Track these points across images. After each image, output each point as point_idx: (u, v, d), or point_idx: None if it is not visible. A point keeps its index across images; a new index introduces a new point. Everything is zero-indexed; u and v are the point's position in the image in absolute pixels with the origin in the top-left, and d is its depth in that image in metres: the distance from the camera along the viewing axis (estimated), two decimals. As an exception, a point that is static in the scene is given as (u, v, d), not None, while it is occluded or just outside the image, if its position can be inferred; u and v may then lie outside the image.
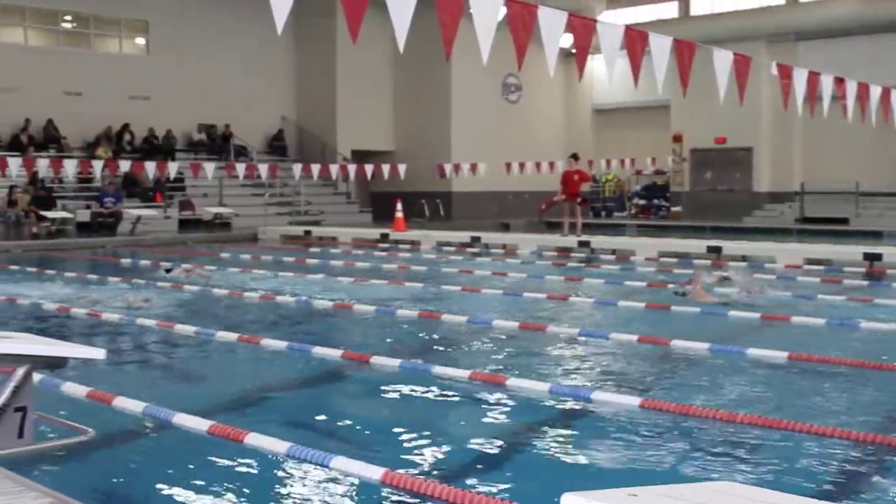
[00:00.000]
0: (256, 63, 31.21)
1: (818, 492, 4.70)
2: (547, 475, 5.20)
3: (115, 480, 5.09)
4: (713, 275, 13.94)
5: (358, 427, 6.12)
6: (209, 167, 24.44)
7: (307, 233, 24.65)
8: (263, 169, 24.88)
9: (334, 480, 4.87)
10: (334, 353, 8.34)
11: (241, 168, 24.83)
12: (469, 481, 4.90)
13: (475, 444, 5.69)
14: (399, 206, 24.18)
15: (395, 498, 4.62)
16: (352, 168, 26.73)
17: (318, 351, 8.43)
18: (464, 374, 7.42)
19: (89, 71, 28.15)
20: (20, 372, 3.88)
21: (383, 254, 20.00)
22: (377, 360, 7.96)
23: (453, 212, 31.59)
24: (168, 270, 15.22)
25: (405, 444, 5.67)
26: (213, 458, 5.31)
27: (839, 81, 12.74)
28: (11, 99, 26.57)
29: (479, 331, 9.89)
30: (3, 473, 4.06)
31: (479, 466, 5.33)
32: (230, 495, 4.76)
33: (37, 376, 4.39)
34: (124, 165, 23.80)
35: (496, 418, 6.38)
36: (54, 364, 4.10)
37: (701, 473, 5.04)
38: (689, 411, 6.18)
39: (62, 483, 4.28)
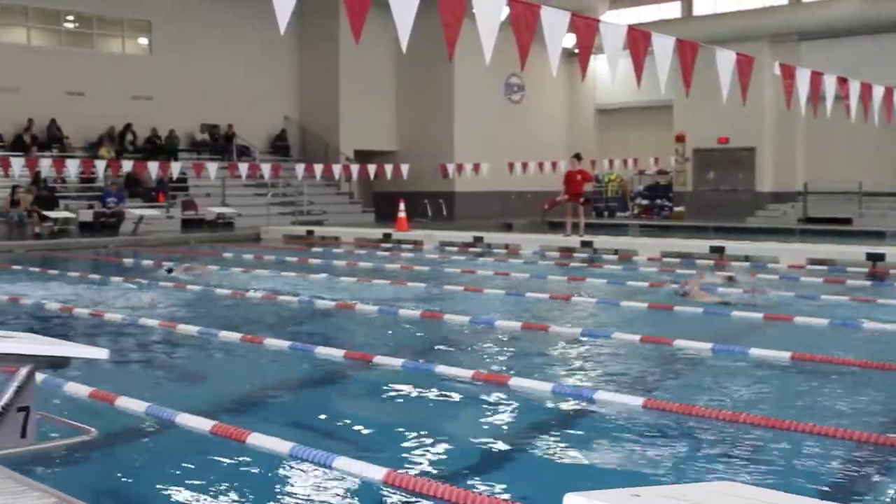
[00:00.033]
0: (259, 63, 31.23)
1: (821, 492, 4.70)
2: (549, 475, 5.20)
3: (117, 480, 5.09)
4: (716, 275, 13.94)
5: (360, 427, 6.12)
6: (212, 167, 24.46)
7: (310, 233, 24.65)
8: (266, 169, 24.89)
9: (337, 481, 4.87)
10: (337, 353, 8.34)
11: (243, 168, 24.84)
12: (471, 481, 4.90)
13: (478, 444, 5.69)
14: (402, 206, 24.17)
15: (397, 498, 4.62)
16: (354, 168, 26.74)
17: (321, 351, 8.43)
18: (466, 373, 7.41)
19: (92, 71, 28.18)
20: (23, 372, 3.88)
21: (386, 254, 20.00)
22: (380, 359, 7.96)
23: (456, 212, 31.59)
24: (169, 270, 15.22)
25: (407, 444, 5.67)
26: (216, 458, 5.32)
27: (842, 81, 12.73)
28: (14, 99, 26.61)
29: (481, 331, 9.89)
30: (5, 473, 4.06)
31: (481, 466, 5.33)
32: (232, 495, 4.76)
33: (40, 376, 4.39)
34: (127, 165, 23.85)
35: (499, 418, 6.38)
36: (57, 364, 4.10)
37: (704, 473, 5.04)
38: (691, 411, 6.17)
39: (65, 483, 4.28)
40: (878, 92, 13.24)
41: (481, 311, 11.00)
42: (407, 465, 5.20)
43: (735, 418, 5.96)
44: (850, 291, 12.99)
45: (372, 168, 25.60)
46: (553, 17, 8.14)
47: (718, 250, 18.12)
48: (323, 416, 6.61)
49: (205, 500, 4.70)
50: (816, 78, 12.18)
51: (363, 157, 30.82)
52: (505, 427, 6.21)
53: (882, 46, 28.73)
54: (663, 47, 9.58)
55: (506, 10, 7.58)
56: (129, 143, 28.72)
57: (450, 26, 7.09)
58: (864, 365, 7.76)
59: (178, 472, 5.16)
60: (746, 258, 17.65)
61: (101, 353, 4.09)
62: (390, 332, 10.19)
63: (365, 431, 6.03)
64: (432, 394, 6.99)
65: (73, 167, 23.41)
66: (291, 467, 5.08)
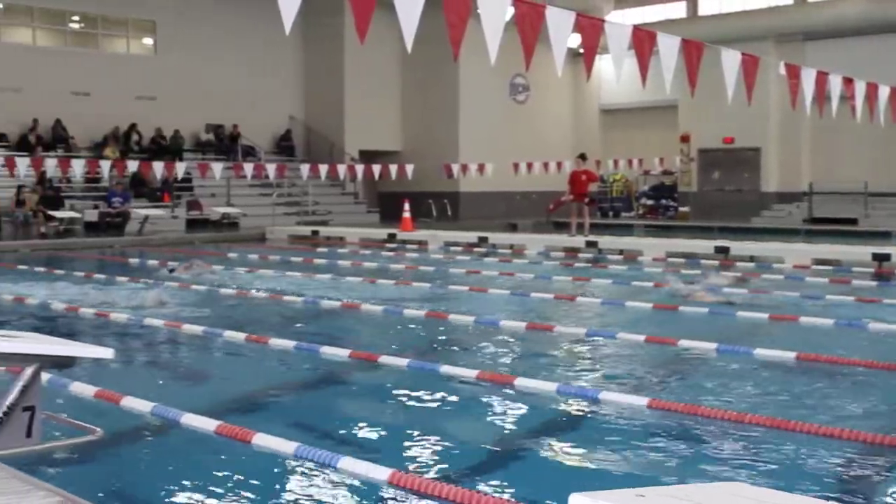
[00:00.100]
0: (264, 63, 31.26)
1: (826, 493, 4.69)
2: (554, 475, 5.20)
3: (122, 480, 5.09)
4: (722, 275, 13.93)
5: (365, 427, 6.12)
6: (217, 167, 24.48)
7: (315, 233, 24.66)
8: (271, 169, 24.90)
9: (341, 481, 4.87)
10: (342, 353, 8.34)
11: (248, 168, 24.85)
12: (476, 482, 4.89)
13: (482, 444, 5.69)
14: (406, 206, 24.18)
15: (402, 498, 4.61)
16: (359, 168, 26.74)
17: (326, 351, 8.44)
18: (471, 373, 7.41)
19: (97, 71, 28.23)
20: (28, 371, 3.89)
21: (391, 254, 20.00)
22: (385, 359, 7.96)
23: (461, 212, 31.60)
24: (171, 270, 15.24)
25: (412, 445, 5.67)
26: (221, 458, 5.32)
27: (847, 81, 12.71)
28: (19, 99, 26.67)
29: (486, 331, 9.89)
30: (11, 473, 4.06)
31: (486, 467, 5.33)
32: (237, 495, 4.76)
33: (45, 376, 4.40)
34: (132, 165, 23.88)
35: (503, 418, 6.38)
36: (62, 363, 4.11)
37: (709, 474, 5.03)
38: (697, 411, 6.17)
39: (70, 482, 4.28)
40: (884, 92, 13.22)
41: (486, 312, 11.00)
42: (412, 466, 5.20)
43: (740, 419, 5.95)
44: (855, 292, 12.97)
45: (377, 168, 25.61)
46: (558, 17, 8.14)
47: (723, 250, 18.10)
48: (328, 416, 6.60)
49: (209, 500, 4.70)
50: (822, 78, 12.16)
51: (368, 157, 30.85)
52: (510, 427, 6.21)
53: (888, 46, 28.68)
54: (668, 47, 9.58)
55: (511, 10, 7.58)
56: (134, 144, 28.75)
57: (455, 26, 7.08)
58: (870, 365, 7.75)
59: (183, 472, 5.16)
60: (751, 258, 17.64)
61: (106, 353, 4.09)
62: (395, 332, 10.19)
63: (370, 431, 6.03)
64: (437, 394, 6.98)
65: (78, 167, 23.44)
66: (296, 467, 5.08)
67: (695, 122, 32.28)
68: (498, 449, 5.63)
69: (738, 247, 18.43)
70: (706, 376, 7.66)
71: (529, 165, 26.99)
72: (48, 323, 10.46)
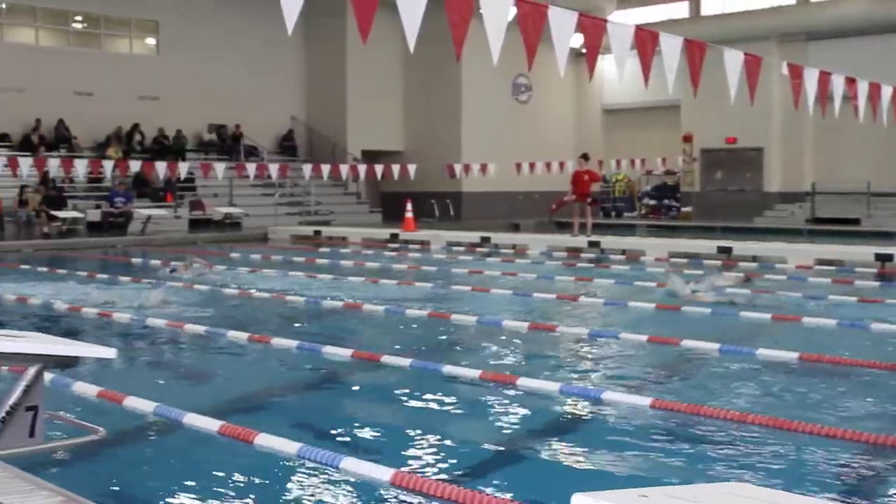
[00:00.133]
0: (266, 63, 31.27)
1: (829, 493, 4.69)
2: (557, 475, 5.20)
3: (125, 480, 5.09)
4: (724, 276, 13.92)
5: (368, 427, 6.12)
6: (219, 167, 24.48)
7: (317, 233, 24.67)
8: (274, 169, 24.91)
9: (344, 481, 4.87)
10: (345, 353, 8.35)
11: (251, 168, 24.86)
12: (479, 482, 4.89)
13: (485, 444, 5.69)
14: (409, 206, 24.18)
15: (404, 499, 4.62)
16: (362, 168, 26.74)
17: (329, 350, 8.44)
18: (474, 373, 7.42)
19: (100, 71, 28.24)
20: (31, 371, 3.89)
21: (393, 254, 20.01)
22: (387, 359, 7.97)
23: (463, 212, 31.59)
24: (173, 270, 15.26)
25: (415, 445, 5.67)
26: (223, 459, 5.32)
27: (850, 81, 12.70)
28: (22, 99, 26.69)
29: (488, 331, 9.89)
30: (14, 472, 4.07)
31: (489, 467, 5.33)
32: (240, 496, 4.77)
33: (48, 376, 4.40)
34: (135, 165, 23.87)
35: (506, 418, 6.38)
36: (65, 363, 4.11)
37: (711, 474, 5.03)
38: (699, 411, 6.17)
39: (73, 482, 4.28)
40: (887, 92, 13.20)
41: (489, 312, 11.00)
42: (414, 466, 5.20)
43: (743, 419, 5.95)
44: (858, 292, 12.96)
45: (379, 168, 25.61)
46: (560, 17, 8.14)
47: (726, 251, 18.10)
48: (330, 417, 6.60)
49: (212, 500, 4.70)
50: (825, 78, 12.15)
51: (370, 157, 30.84)
52: (512, 427, 6.20)
53: (891, 46, 28.65)
54: (671, 47, 9.57)
55: (513, 11, 7.57)
56: (136, 144, 28.77)
57: (457, 26, 7.08)
58: (873, 366, 7.74)
59: (185, 472, 5.16)
60: (754, 258, 17.63)
61: (109, 353, 4.09)
62: (398, 332, 10.19)
63: (372, 432, 6.03)
64: (439, 394, 6.99)
65: (81, 167, 23.46)
66: (299, 468, 5.08)
67: (697, 122, 32.26)
68: (500, 449, 5.63)
69: (740, 247, 18.42)
70: (709, 376, 7.67)
71: (532, 165, 26.99)
72: (51, 323, 10.47)
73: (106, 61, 28.74)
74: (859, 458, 5.33)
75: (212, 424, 5.75)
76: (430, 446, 5.65)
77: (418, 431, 5.90)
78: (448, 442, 5.74)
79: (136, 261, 18.63)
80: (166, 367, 8.63)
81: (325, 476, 4.93)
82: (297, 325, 10.71)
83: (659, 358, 8.48)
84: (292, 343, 8.80)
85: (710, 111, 29.19)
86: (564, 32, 8.20)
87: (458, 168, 27.05)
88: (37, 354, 3.91)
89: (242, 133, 30.68)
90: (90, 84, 28.03)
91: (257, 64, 31.00)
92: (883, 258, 16.08)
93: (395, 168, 25.50)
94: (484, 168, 26.84)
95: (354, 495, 4.74)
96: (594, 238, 20.46)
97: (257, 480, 4.97)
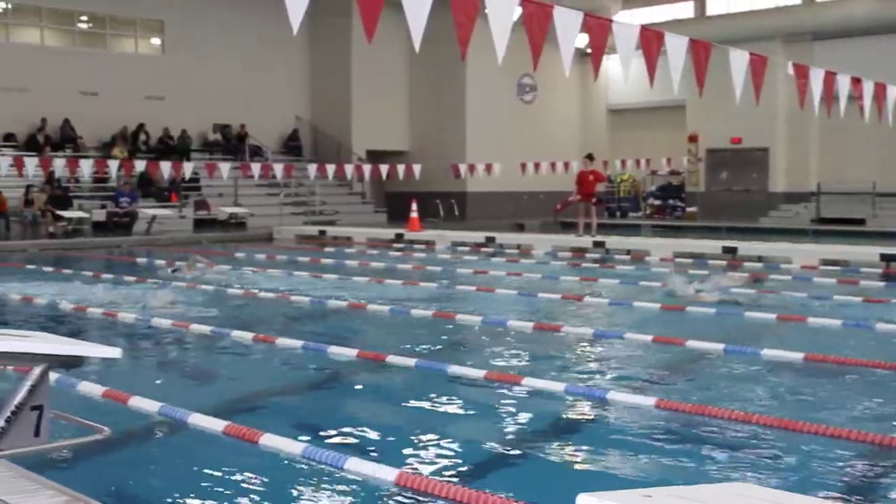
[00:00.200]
0: (271, 63, 31.30)
1: (833, 493, 4.68)
2: (562, 475, 5.19)
3: (130, 479, 5.10)
4: (728, 276, 13.91)
5: (372, 427, 6.11)
6: (224, 167, 24.50)
7: (322, 233, 24.68)
8: (278, 169, 24.93)
9: (349, 481, 4.87)
10: (350, 353, 8.35)
11: (256, 168, 24.88)
12: (483, 482, 4.89)
13: (490, 444, 5.69)
14: (414, 206, 24.18)
15: (409, 499, 4.62)
16: (367, 168, 26.76)
17: (334, 350, 8.44)
18: (479, 373, 7.41)
19: (105, 71, 28.29)
20: (37, 371, 3.90)
21: (398, 254, 20.01)
22: (392, 359, 7.97)
23: (468, 212, 31.59)
24: (175, 270, 15.29)
25: (419, 445, 5.67)
26: (228, 459, 5.32)
27: (856, 81, 12.68)
28: (28, 99, 26.74)
29: (494, 331, 9.89)
30: (19, 471, 4.07)
31: (493, 467, 5.33)
32: (244, 495, 4.77)
33: (53, 375, 4.41)
34: (140, 165, 23.92)
35: (511, 418, 6.37)
36: (70, 363, 4.12)
37: (716, 474, 5.02)
38: (704, 412, 6.16)
39: (78, 481, 4.29)
40: (893, 92, 13.18)
41: (493, 312, 11.00)
42: (419, 466, 5.21)
43: (748, 419, 5.94)
44: (863, 292, 12.94)
45: (384, 168, 25.62)
46: (566, 17, 8.14)
47: (731, 251, 18.08)
48: (335, 417, 6.60)
49: (216, 500, 4.71)
50: (830, 78, 12.14)
51: (375, 157, 30.85)
52: (517, 427, 6.20)
53: (896, 46, 28.63)
54: (676, 47, 9.57)
55: (518, 10, 7.57)
56: (141, 143, 28.81)
57: (462, 26, 7.08)
58: (878, 366, 7.73)
59: (190, 472, 5.17)
60: (759, 259, 17.61)
61: (114, 353, 4.10)
62: (403, 332, 10.19)
63: (377, 432, 6.03)
64: (444, 394, 6.98)
65: (86, 167, 23.49)
66: (303, 468, 5.08)
67: (702, 122, 32.24)
68: (505, 449, 5.63)
69: (745, 247, 18.40)
70: (713, 377, 7.66)
71: (537, 165, 26.97)
72: (56, 322, 10.49)
73: (111, 61, 28.79)
74: (864, 458, 5.32)
75: (216, 424, 5.75)
76: (435, 446, 5.65)
77: (423, 431, 5.90)
78: (452, 442, 5.74)
79: (141, 261, 18.65)
80: (171, 367, 8.64)
81: (330, 476, 4.93)
82: (301, 325, 10.71)
83: (663, 358, 8.47)
84: (297, 343, 8.81)
85: (715, 111, 29.18)
86: (570, 32, 8.20)
87: (463, 168, 27.05)
88: (42, 354, 3.91)
89: (247, 133, 30.72)
90: (95, 84, 28.07)
91: (262, 64, 31.03)
92: (888, 258, 16.06)
93: (400, 168, 25.52)
94: (489, 168, 26.84)
95: (359, 496, 4.74)
96: (599, 238, 20.45)
97: (262, 481, 4.97)
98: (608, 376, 7.64)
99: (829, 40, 30.20)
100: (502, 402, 6.74)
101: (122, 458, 5.39)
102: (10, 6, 27.80)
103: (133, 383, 7.03)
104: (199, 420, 5.88)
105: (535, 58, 7.78)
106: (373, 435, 5.93)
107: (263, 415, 6.50)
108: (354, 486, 4.82)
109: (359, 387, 7.70)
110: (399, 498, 4.65)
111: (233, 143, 30.61)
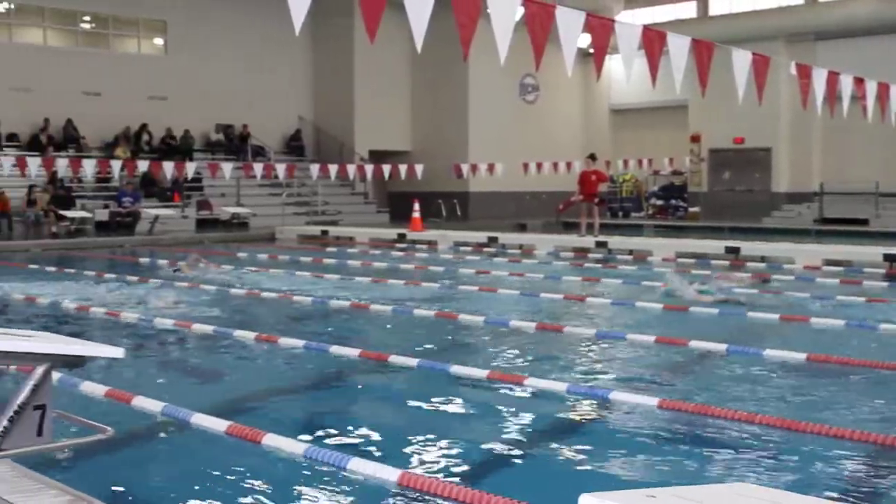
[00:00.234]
0: (274, 63, 31.32)
1: (836, 494, 4.68)
2: (564, 475, 5.19)
3: (132, 479, 5.10)
4: (730, 276, 13.90)
5: (375, 427, 6.11)
6: (227, 167, 24.53)
7: (324, 233, 24.69)
8: (281, 169, 24.94)
9: (350, 482, 4.87)
10: (352, 353, 8.35)
11: (258, 168, 24.90)
12: (486, 482, 4.89)
13: (492, 444, 5.69)
14: (416, 206, 24.19)
15: (411, 499, 4.61)
16: (369, 168, 26.77)
17: (336, 350, 8.44)
18: (481, 373, 7.41)
19: (108, 71, 28.32)
20: (39, 370, 3.90)
21: (400, 254, 20.02)
22: (395, 359, 7.96)
23: (470, 212, 31.61)
24: (176, 270, 15.31)
25: (422, 445, 5.67)
26: (231, 459, 5.32)
27: (859, 81, 12.68)
28: (31, 99, 26.77)
29: (496, 331, 9.89)
30: (22, 471, 4.08)
31: (496, 467, 5.33)
32: (246, 496, 4.77)
33: (56, 375, 4.41)
34: (142, 165, 23.95)
35: (513, 418, 6.37)
36: (73, 363, 4.12)
37: (718, 474, 5.02)
38: (707, 412, 6.16)
39: (81, 481, 4.29)
40: (895, 92, 13.17)
41: (496, 312, 11.00)
42: (421, 466, 5.20)
43: (750, 419, 5.94)
44: (866, 292, 12.93)
45: (386, 168, 25.62)
46: (568, 17, 8.14)
47: (734, 251, 18.07)
48: (337, 417, 6.60)
49: (219, 500, 4.71)
50: (833, 78, 12.13)
51: (378, 157, 30.87)
52: (519, 427, 6.20)
53: (899, 46, 28.61)
54: (679, 47, 9.57)
55: (521, 11, 7.57)
56: (144, 144, 28.84)
57: (465, 26, 7.08)
58: (881, 366, 7.72)
59: (193, 472, 5.17)
60: (762, 259, 17.60)
61: (117, 353, 4.10)
62: (405, 332, 10.19)
63: (379, 432, 6.02)
64: (447, 394, 6.98)
65: (89, 167, 23.52)
66: (306, 468, 5.08)
67: (705, 122, 32.23)
68: (508, 449, 5.63)
69: (748, 247, 18.40)
70: (716, 377, 7.65)
71: (539, 165, 26.98)
72: (59, 322, 10.49)
73: (114, 61, 28.82)
74: (867, 459, 5.32)
75: (219, 424, 5.75)
76: (438, 447, 5.65)
77: (425, 431, 5.90)
78: (455, 442, 5.74)
79: (144, 261, 18.66)
80: (174, 367, 8.63)
81: (332, 476, 4.93)
82: (304, 324, 10.71)
83: (666, 358, 8.46)
84: (299, 343, 8.81)
85: (717, 111, 29.17)
86: (572, 32, 8.20)
87: (465, 168, 27.05)
88: (45, 354, 3.91)
89: (250, 133, 30.74)
90: (98, 84, 28.10)
91: (265, 64, 31.06)
92: (891, 258, 16.04)
93: (403, 168, 25.53)
94: (491, 168, 26.85)
95: (361, 496, 4.74)
96: (601, 238, 20.45)
97: (264, 481, 4.97)
98: (610, 376, 7.63)
99: (831, 40, 30.20)
100: (504, 402, 6.74)
101: (124, 457, 5.40)
102: (13, 6, 27.83)
103: (136, 383, 7.04)
104: (201, 420, 5.89)
105: (538, 58, 7.77)
106: (375, 435, 5.93)
107: (266, 415, 6.50)
108: (357, 487, 4.82)
109: (361, 387, 7.70)
110: (401, 498, 4.65)
111: (235, 144, 30.63)
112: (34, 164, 22.23)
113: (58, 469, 4.77)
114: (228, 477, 5.02)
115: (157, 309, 11.18)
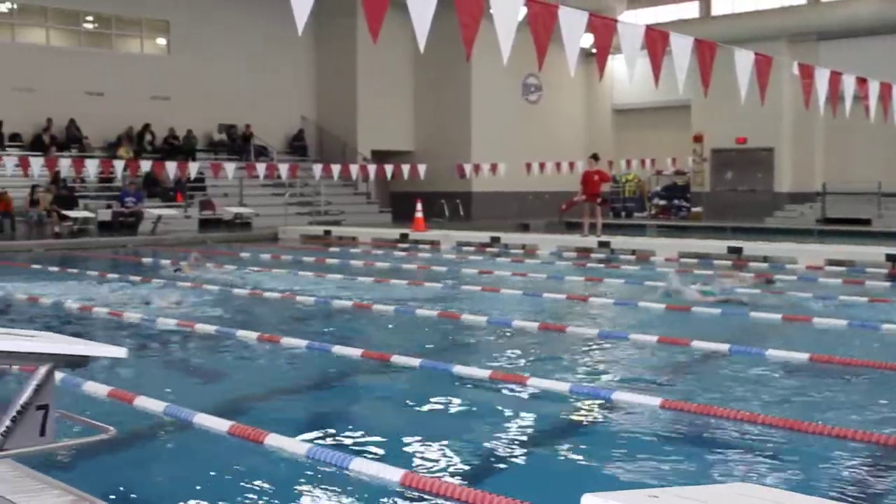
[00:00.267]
0: (277, 63, 31.33)
1: (838, 494, 4.67)
2: (567, 475, 5.19)
3: (135, 479, 5.11)
4: (730, 276, 13.90)
5: (377, 427, 6.12)
6: (229, 167, 24.55)
7: (327, 233, 24.69)
8: (284, 169, 24.95)
9: (353, 482, 4.87)
10: (354, 353, 8.35)
11: (261, 168, 24.90)
12: (488, 482, 4.90)
13: (495, 444, 5.69)
14: (419, 206, 24.19)
15: (414, 499, 4.61)
16: (372, 168, 26.76)
17: (338, 350, 8.45)
18: (484, 374, 7.41)
19: (111, 71, 28.33)
20: (42, 370, 3.90)
21: (403, 254, 20.01)
22: (397, 359, 7.96)
23: (473, 212, 31.60)
24: (177, 270, 15.33)
25: (424, 445, 5.67)
26: (233, 459, 5.33)
27: (861, 81, 12.66)
28: (33, 99, 26.79)
29: (498, 331, 9.89)
30: (24, 471, 4.08)
31: (498, 467, 5.33)
32: (249, 496, 4.77)
33: (59, 375, 4.41)
34: (145, 165, 23.95)
35: (516, 418, 6.37)
36: (76, 363, 4.12)
37: (721, 474, 5.02)
38: (709, 412, 6.16)
39: (83, 481, 4.30)
40: (898, 92, 13.16)
41: (498, 312, 11.00)
42: (424, 467, 5.21)
43: (753, 419, 5.94)
44: (868, 292, 12.92)
45: (389, 168, 25.62)
46: (571, 17, 8.13)
47: (736, 251, 18.06)
48: (339, 417, 6.60)
49: (221, 500, 4.71)
50: (835, 78, 12.12)
51: (380, 157, 30.87)
52: (522, 427, 6.20)
53: (902, 46, 28.57)
54: (681, 47, 9.56)
55: (523, 11, 7.57)
56: (147, 144, 28.86)
57: (467, 26, 7.08)
58: (884, 366, 7.71)
59: (195, 472, 5.17)
60: (765, 259, 17.59)
61: (119, 353, 4.10)
62: (407, 332, 10.20)
63: (382, 432, 6.02)
64: (449, 394, 6.98)
65: (91, 167, 23.54)
66: (308, 468, 5.09)
67: (708, 122, 32.20)
68: (510, 449, 5.63)
69: (750, 247, 18.39)
70: (718, 377, 7.65)
71: (542, 165, 26.98)
72: (62, 322, 10.50)
73: (117, 61, 28.83)
74: (870, 459, 5.32)
75: (221, 424, 5.76)
76: (440, 447, 5.64)
77: (428, 431, 5.90)
78: (457, 442, 5.74)
79: (147, 261, 18.67)
80: (176, 367, 8.64)
81: (335, 476, 4.93)
82: (306, 324, 10.71)
83: (669, 358, 8.46)
84: (302, 343, 8.81)
85: (720, 111, 29.14)
86: (575, 32, 8.20)
87: (468, 168, 27.05)
88: (48, 354, 3.91)
89: (252, 133, 30.74)
90: (101, 84, 28.12)
91: (268, 64, 31.06)
92: (894, 258, 16.02)
93: (405, 168, 25.52)
94: (494, 168, 26.83)
95: (364, 496, 4.74)
96: (604, 238, 20.45)
97: (266, 481, 4.97)
98: (613, 376, 7.63)
99: (834, 40, 30.16)
100: (507, 402, 6.75)
101: (127, 457, 5.40)
102: (15, 6, 27.85)
103: (138, 383, 7.05)
104: (204, 420, 5.89)
105: (541, 58, 7.77)
106: (377, 435, 5.93)
107: (268, 415, 6.50)
108: (359, 487, 4.82)
109: (363, 387, 7.71)
110: (404, 498, 4.65)
111: (238, 143, 30.64)
112: (37, 164, 22.24)
113: (60, 469, 4.78)
114: (230, 477, 5.03)
115: (160, 309, 11.18)
